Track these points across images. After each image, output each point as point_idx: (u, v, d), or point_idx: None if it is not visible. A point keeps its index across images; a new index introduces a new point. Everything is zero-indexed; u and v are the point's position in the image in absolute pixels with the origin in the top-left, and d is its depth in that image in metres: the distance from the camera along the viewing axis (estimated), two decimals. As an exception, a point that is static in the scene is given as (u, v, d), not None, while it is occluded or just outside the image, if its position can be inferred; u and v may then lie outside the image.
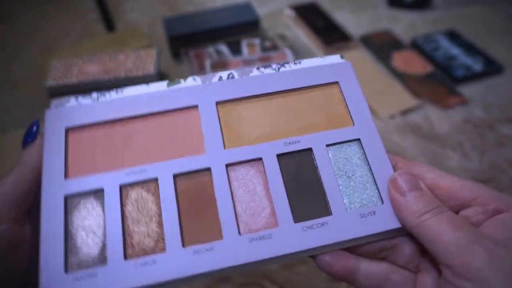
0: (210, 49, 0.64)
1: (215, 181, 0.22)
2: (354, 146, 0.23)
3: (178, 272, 0.20)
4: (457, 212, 0.21)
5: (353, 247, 0.21)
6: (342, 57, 0.27)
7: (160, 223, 0.21)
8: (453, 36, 0.71)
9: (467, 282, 0.17)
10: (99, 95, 0.24)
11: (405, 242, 0.22)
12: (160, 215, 0.21)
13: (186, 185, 0.22)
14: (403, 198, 0.20)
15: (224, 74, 0.25)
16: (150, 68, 0.56)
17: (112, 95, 0.25)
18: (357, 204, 0.22)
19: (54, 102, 0.24)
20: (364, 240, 0.21)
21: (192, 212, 0.22)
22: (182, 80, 0.25)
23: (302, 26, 0.74)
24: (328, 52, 0.67)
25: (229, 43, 0.65)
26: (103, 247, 0.20)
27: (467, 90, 0.60)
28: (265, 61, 0.60)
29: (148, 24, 0.76)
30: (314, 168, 0.23)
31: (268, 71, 0.25)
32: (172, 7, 0.82)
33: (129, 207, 0.22)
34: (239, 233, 0.21)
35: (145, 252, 0.20)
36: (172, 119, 0.24)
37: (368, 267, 0.21)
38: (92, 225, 0.21)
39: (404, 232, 0.21)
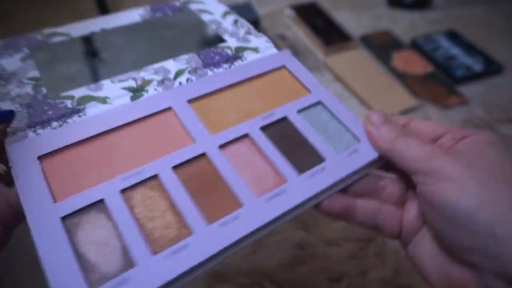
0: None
1: (215, 161, 0.24)
2: (319, 108, 0.28)
3: (214, 247, 0.20)
4: None
5: (349, 190, 0.25)
6: (277, 46, 0.31)
7: (176, 213, 0.21)
8: (453, 36, 0.71)
9: (433, 179, 0.21)
10: (59, 123, 0.24)
11: (391, 183, 0.25)
12: (172, 206, 0.21)
13: (187, 173, 0.23)
14: (376, 130, 0.25)
15: (182, 79, 0.28)
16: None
17: (75, 119, 0.24)
18: (342, 147, 0.25)
19: (10, 139, 0.23)
20: (356, 176, 0.25)
21: (203, 194, 0.22)
22: (144, 92, 0.27)
23: (302, 26, 0.74)
24: (328, 52, 0.67)
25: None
26: (124, 252, 0.20)
27: (467, 90, 0.60)
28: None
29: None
30: (295, 131, 0.26)
31: (220, 70, 0.29)
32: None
33: (137, 209, 0.21)
34: (257, 196, 0.22)
35: (172, 242, 0.20)
36: (149, 124, 0.25)
37: (362, 204, 0.25)
38: (102, 237, 0.20)
39: (381, 161, 0.25)
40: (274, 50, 0.31)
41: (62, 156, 0.23)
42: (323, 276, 0.37)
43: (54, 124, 0.24)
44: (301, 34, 0.73)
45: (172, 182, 0.22)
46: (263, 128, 0.26)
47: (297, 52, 0.67)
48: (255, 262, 0.38)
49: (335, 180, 0.23)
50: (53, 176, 0.22)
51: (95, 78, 0.28)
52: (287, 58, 0.31)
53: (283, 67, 0.30)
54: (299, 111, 0.27)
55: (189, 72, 0.28)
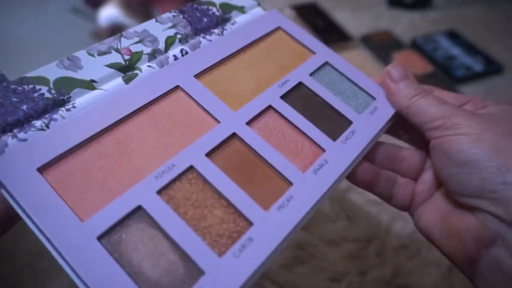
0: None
1: (247, 140, 0.22)
2: (328, 68, 0.28)
3: (280, 233, 0.19)
4: None
5: (375, 160, 0.26)
6: (259, 4, 0.30)
7: (225, 205, 0.19)
8: (453, 36, 0.70)
9: (452, 132, 0.22)
10: (44, 121, 0.19)
11: (410, 154, 0.27)
12: (220, 198, 0.20)
13: (223, 158, 0.21)
14: (396, 85, 0.25)
15: (175, 52, 0.25)
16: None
17: (63, 114, 0.20)
18: (361, 107, 0.25)
19: None
20: (381, 133, 0.25)
21: (246, 179, 0.21)
22: (137, 72, 0.23)
23: (302, 26, 0.74)
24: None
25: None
26: (185, 260, 0.17)
27: (467, 90, 0.60)
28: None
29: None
30: (314, 95, 0.26)
31: (214, 37, 0.27)
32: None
33: (182, 209, 0.19)
34: (302, 171, 0.21)
35: (234, 238, 0.18)
36: (160, 108, 0.22)
37: (385, 173, 0.26)
38: (153, 249, 0.17)
39: (395, 117, 0.26)
40: (259, 9, 0.30)
41: (67, 163, 0.19)
42: (323, 276, 0.37)
43: (38, 123, 0.19)
44: (301, 34, 0.73)
45: (211, 171, 0.20)
46: (283, 96, 0.25)
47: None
48: (255, 262, 0.38)
49: (368, 141, 0.24)
50: (65, 191, 0.18)
51: (88, 14, 0.23)
52: (278, 18, 0.30)
53: (278, 28, 0.29)
54: (311, 74, 0.27)
55: (180, 41, 0.25)
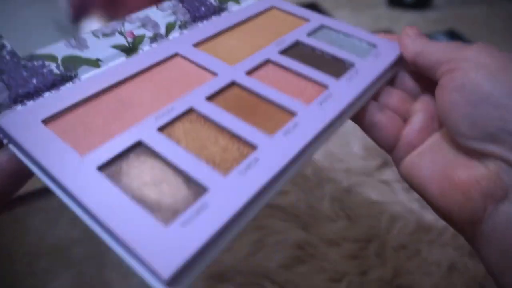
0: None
1: (248, 85, 0.23)
2: (325, 30, 0.29)
3: (287, 153, 0.18)
4: None
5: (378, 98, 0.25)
6: None
7: (229, 137, 0.19)
8: (454, 36, 0.70)
9: (466, 65, 0.20)
10: (52, 92, 0.21)
11: (399, 93, 0.25)
12: (222, 131, 0.20)
13: (224, 101, 0.22)
14: (410, 39, 0.24)
15: (175, 35, 0.27)
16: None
17: (68, 85, 0.22)
18: (364, 54, 0.26)
19: None
20: (387, 75, 0.25)
21: (249, 114, 0.21)
22: (140, 50, 0.25)
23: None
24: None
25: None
26: (187, 182, 0.17)
27: (467, 90, 0.60)
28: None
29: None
30: (314, 49, 0.26)
31: (209, 20, 0.29)
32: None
33: (183, 143, 0.19)
34: (307, 104, 0.22)
35: (238, 161, 0.18)
36: (159, 71, 0.23)
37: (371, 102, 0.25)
38: (154, 176, 0.17)
39: (398, 66, 0.26)
40: (253, 0, 0.32)
41: (69, 116, 0.20)
42: (323, 276, 0.37)
43: (47, 95, 0.21)
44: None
45: (212, 110, 0.20)
46: (282, 52, 0.26)
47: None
48: (255, 262, 0.38)
49: (373, 78, 0.24)
50: (68, 135, 0.19)
51: (71, 29, 0.24)
52: (273, 1, 0.31)
53: (272, 7, 0.31)
54: (309, 35, 0.27)
55: (180, 27, 0.27)
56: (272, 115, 0.21)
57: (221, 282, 0.36)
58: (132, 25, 0.25)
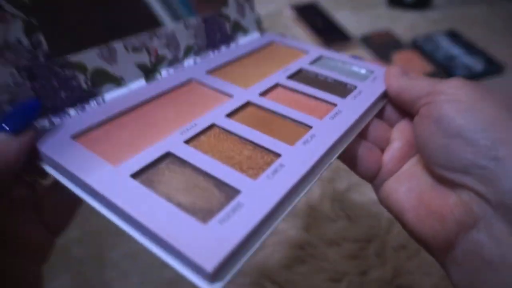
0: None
1: (263, 104, 0.24)
2: (324, 59, 0.31)
3: (309, 160, 0.20)
4: None
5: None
6: (258, 27, 0.34)
7: (251, 147, 0.21)
8: (454, 36, 0.70)
9: (442, 98, 0.21)
10: (77, 110, 0.22)
11: (377, 123, 0.26)
12: (245, 142, 0.21)
13: (242, 117, 0.23)
14: (393, 77, 0.26)
15: (190, 62, 0.29)
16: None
17: (92, 105, 0.23)
18: (363, 77, 0.28)
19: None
20: (382, 100, 0.27)
21: (268, 128, 0.22)
22: (157, 74, 0.27)
23: (302, 26, 0.74)
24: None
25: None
26: (219, 187, 0.18)
27: (467, 90, 0.60)
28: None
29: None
30: (317, 75, 0.29)
31: (221, 51, 0.31)
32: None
33: (210, 154, 0.20)
34: (320, 119, 0.23)
35: (263, 168, 0.19)
36: (177, 93, 0.25)
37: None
38: (186, 183, 0.18)
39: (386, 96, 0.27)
40: (258, 34, 0.35)
41: (97, 132, 0.21)
42: (323, 276, 0.37)
43: (71, 111, 0.22)
44: (301, 34, 0.73)
45: (233, 125, 0.22)
46: (289, 77, 0.28)
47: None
48: (255, 262, 0.38)
49: (376, 97, 0.25)
50: (97, 148, 0.20)
51: (107, 35, 0.24)
52: (273, 36, 0.34)
53: (272, 42, 0.34)
54: (311, 63, 0.30)
55: (195, 53, 0.29)
56: (290, 129, 0.23)
57: (221, 282, 0.36)
58: (159, 40, 0.27)
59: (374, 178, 0.25)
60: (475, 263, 0.19)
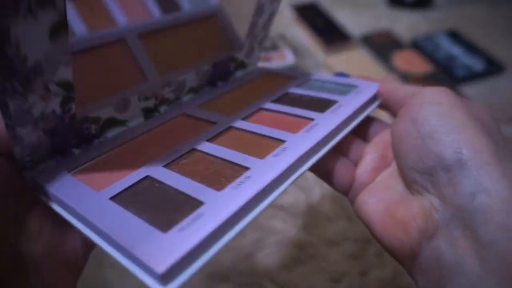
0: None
1: (244, 128, 0.26)
2: (310, 82, 0.32)
3: (276, 170, 0.20)
4: None
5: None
6: (277, 46, 0.37)
7: (222, 162, 0.22)
8: (454, 36, 0.70)
9: (422, 99, 0.22)
10: (80, 150, 0.24)
11: (351, 138, 0.27)
12: (219, 161, 0.22)
13: (222, 140, 0.25)
14: (388, 82, 0.28)
15: (189, 96, 0.31)
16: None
17: (95, 144, 0.25)
18: (347, 92, 0.29)
19: (33, 172, 0.22)
20: (368, 107, 0.28)
21: (244, 147, 0.23)
22: (156, 113, 0.29)
23: (302, 26, 0.74)
24: (329, 52, 0.67)
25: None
26: (187, 199, 0.19)
27: (468, 90, 0.60)
28: (265, 61, 0.60)
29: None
30: (300, 95, 0.30)
31: (216, 87, 0.33)
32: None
33: (184, 175, 0.21)
34: (295, 133, 0.24)
35: (231, 180, 0.20)
36: (169, 125, 0.27)
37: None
38: (158, 199, 0.20)
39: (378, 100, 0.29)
40: (256, 66, 0.36)
41: (91, 164, 0.23)
42: (323, 276, 0.37)
43: (76, 151, 0.24)
44: (301, 34, 0.73)
45: (212, 148, 0.23)
46: (273, 101, 0.29)
47: (297, 52, 0.67)
48: (255, 262, 0.38)
49: (354, 109, 0.26)
50: (87, 180, 0.22)
51: (125, 94, 0.26)
52: (263, 68, 0.36)
53: (265, 72, 0.35)
54: (297, 86, 0.31)
55: (194, 91, 0.31)
56: (264, 145, 0.24)
57: (221, 282, 0.36)
58: (169, 88, 0.29)
59: (348, 191, 0.26)
60: (437, 271, 0.19)
